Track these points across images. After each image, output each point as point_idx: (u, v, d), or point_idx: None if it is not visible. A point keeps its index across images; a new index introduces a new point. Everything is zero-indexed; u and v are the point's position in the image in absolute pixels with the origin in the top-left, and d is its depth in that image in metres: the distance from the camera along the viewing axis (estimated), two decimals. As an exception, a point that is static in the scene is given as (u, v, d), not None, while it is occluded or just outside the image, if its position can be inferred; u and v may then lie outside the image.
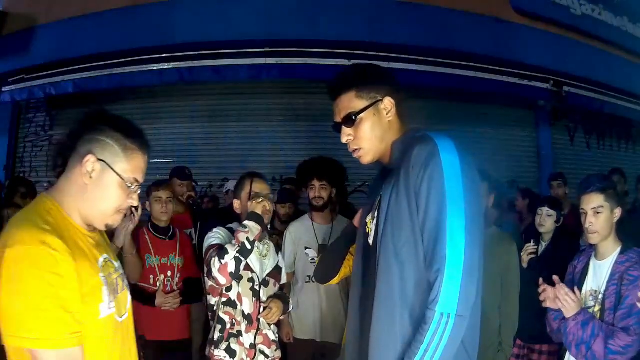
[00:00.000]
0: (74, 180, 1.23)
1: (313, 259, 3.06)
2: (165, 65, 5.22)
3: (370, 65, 1.52)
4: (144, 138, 1.30)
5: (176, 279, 2.99)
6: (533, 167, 6.36)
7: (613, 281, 2.03)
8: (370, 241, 1.45)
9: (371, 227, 1.47)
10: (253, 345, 2.31)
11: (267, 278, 2.40)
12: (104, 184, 1.23)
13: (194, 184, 4.16)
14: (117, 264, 1.35)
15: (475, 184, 1.32)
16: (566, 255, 2.45)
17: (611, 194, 2.11)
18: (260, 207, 2.24)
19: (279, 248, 2.78)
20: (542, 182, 5.63)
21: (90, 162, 1.21)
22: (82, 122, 1.27)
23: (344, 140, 1.47)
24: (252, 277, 2.34)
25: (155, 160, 5.66)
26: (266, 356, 2.35)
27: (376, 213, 1.44)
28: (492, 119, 5.97)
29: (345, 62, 5.17)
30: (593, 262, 2.17)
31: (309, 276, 3.04)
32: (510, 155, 6.04)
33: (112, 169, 1.23)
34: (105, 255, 1.29)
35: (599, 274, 2.12)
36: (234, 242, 2.18)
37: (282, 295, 2.47)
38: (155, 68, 5.25)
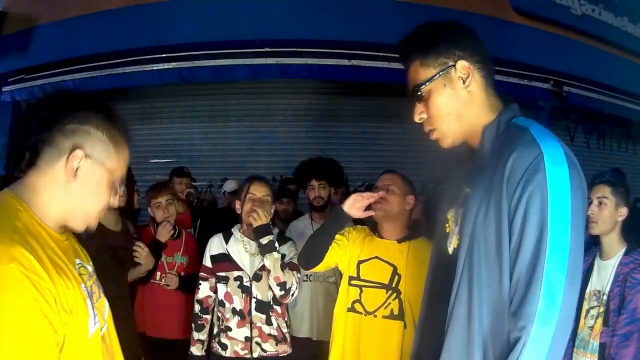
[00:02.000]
0: (52, 177, 1.02)
1: None
2: (165, 65, 5.23)
3: (439, 24, 1.20)
4: (129, 128, 1.12)
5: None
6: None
7: (617, 282, 2.03)
8: (450, 249, 1.21)
9: (452, 229, 1.22)
10: (249, 339, 2.38)
11: (260, 272, 2.42)
12: (92, 182, 1.05)
13: (193, 182, 4.17)
14: (90, 267, 1.15)
15: (582, 207, 1.03)
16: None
17: (619, 190, 2.13)
18: (251, 219, 2.34)
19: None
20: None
21: (77, 158, 1.02)
22: (59, 107, 1.04)
23: (416, 119, 1.19)
24: (239, 276, 2.40)
25: (155, 161, 5.67)
26: (263, 350, 2.39)
27: (460, 213, 1.18)
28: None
29: (345, 62, 5.18)
30: (597, 262, 2.17)
31: (306, 275, 3.06)
32: (510, 155, 6.03)
33: (103, 166, 1.05)
34: (78, 260, 1.10)
35: (603, 274, 2.12)
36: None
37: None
38: (155, 68, 5.26)
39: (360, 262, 2.15)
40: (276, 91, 5.74)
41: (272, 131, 5.67)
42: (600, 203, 2.12)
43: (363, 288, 2.12)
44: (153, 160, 5.70)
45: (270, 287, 2.37)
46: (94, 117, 1.05)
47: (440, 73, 1.14)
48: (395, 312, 2.06)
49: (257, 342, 2.39)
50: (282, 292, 2.32)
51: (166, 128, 5.81)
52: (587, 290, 2.15)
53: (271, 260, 2.31)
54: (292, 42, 5.10)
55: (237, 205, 2.47)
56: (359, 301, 2.12)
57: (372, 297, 2.09)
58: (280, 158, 5.48)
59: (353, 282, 2.15)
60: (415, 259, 2.07)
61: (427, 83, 1.14)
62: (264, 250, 2.31)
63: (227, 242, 2.47)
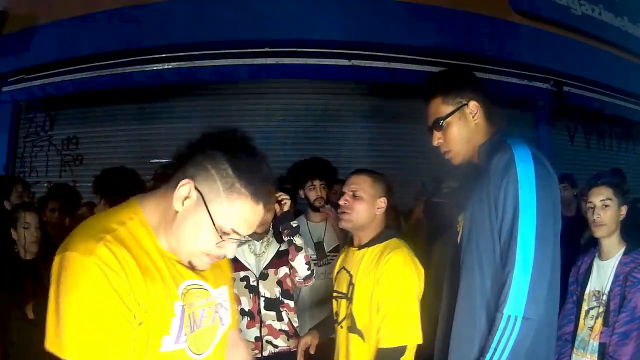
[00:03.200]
0: (167, 199, 1.04)
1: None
2: (165, 65, 5.23)
3: (454, 71, 1.68)
4: (265, 185, 1.04)
5: None
6: (533, 167, 6.35)
7: (617, 282, 2.03)
8: (459, 240, 1.56)
9: (462, 226, 1.55)
10: (259, 338, 2.39)
11: (266, 271, 2.45)
12: (195, 220, 1.02)
13: None
14: (216, 292, 1.15)
15: (550, 191, 1.39)
16: (568, 256, 2.45)
17: (619, 190, 2.13)
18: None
19: None
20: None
21: (184, 187, 1.01)
22: (203, 138, 1.08)
23: (435, 143, 1.56)
24: (245, 276, 2.41)
25: (155, 161, 5.66)
26: (275, 346, 2.41)
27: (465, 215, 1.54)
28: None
29: (345, 62, 5.18)
30: (596, 262, 2.17)
31: None
32: (511, 155, 6.03)
33: (206, 206, 1.01)
34: (196, 282, 1.09)
35: (602, 274, 2.12)
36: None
37: (320, 324, 2.35)
38: (155, 68, 5.25)
39: (336, 273, 2.10)
40: (276, 91, 5.74)
41: (272, 131, 5.67)
42: (604, 206, 2.11)
43: (337, 299, 2.05)
44: (153, 160, 5.70)
45: (275, 285, 2.38)
46: (219, 155, 1.03)
47: (458, 109, 1.52)
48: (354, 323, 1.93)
49: (267, 341, 2.41)
50: (309, 272, 2.40)
51: (166, 128, 5.80)
52: (587, 291, 2.14)
53: (302, 239, 2.42)
54: (292, 42, 5.10)
55: None
56: (337, 312, 2.06)
57: (340, 308, 1.99)
58: (280, 158, 5.48)
59: (333, 293, 2.12)
60: (367, 265, 1.89)
61: (449, 117, 1.52)
62: (294, 232, 2.40)
63: None
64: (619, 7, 6.85)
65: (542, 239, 1.32)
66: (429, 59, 5.09)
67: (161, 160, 5.37)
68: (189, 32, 5.16)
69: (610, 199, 2.11)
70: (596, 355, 2.04)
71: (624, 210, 2.12)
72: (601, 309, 2.06)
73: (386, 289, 1.80)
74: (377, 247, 1.91)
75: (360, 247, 1.96)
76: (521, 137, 1.49)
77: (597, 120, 6.80)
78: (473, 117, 1.52)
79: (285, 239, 2.42)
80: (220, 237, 1.02)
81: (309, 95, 5.70)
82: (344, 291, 1.96)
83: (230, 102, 5.80)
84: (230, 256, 1.08)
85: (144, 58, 5.25)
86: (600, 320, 2.06)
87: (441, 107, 1.53)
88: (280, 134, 5.61)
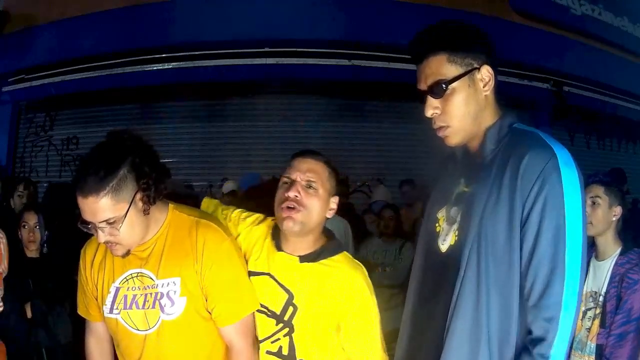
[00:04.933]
0: None
1: None
2: (165, 65, 5.23)
3: (465, 25, 1.21)
4: (78, 180, 1.25)
5: None
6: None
7: (613, 283, 2.02)
8: (443, 247, 1.20)
9: (443, 227, 1.23)
10: None
11: None
12: None
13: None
14: (159, 282, 1.38)
15: (585, 205, 1.10)
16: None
17: (612, 190, 2.12)
18: None
19: None
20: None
21: None
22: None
23: (428, 113, 1.18)
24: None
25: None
26: None
27: (453, 212, 1.21)
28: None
29: (345, 62, 5.18)
30: (593, 263, 2.16)
31: None
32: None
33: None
34: (140, 270, 1.39)
35: (598, 274, 2.11)
36: None
37: None
38: (155, 68, 5.25)
39: (250, 272, 1.49)
40: (276, 91, 5.74)
41: (272, 131, 5.67)
42: (593, 203, 2.11)
43: (260, 313, 1.50)
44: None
45: None
46: None
47: (468, 73, 1.16)
48: (285, 351, 1.45)
49: None
50: None
51: (166, 128, 5.80)
52: (583, 292, 2.14)
53: None
54: (292, 42, 5.10)
55: None
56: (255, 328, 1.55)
57: (263, 327, 1.47)
58: (280, 158, 5.48)
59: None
60: (319, 287, 1.44)
61: (456, 80, 1.15)
62: None
63: None
64: (619, 7, 6.85)
65: (583, 269, 1.05)
66: (429, 59, 5.08)
67: (161, 161, 5.37)
68: (189, 32, 5.16)
69: (599, 197, 2.09)
70: (594, 356, 2.03)
71: (617, 210, 2.11)
72: (598, 310, 2.06)
73: (360, 327, 1.43)
74: (329, 263, 1.46)
75: (303, 258, 1.46)
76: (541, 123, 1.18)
77: (597, 120, 6.80)
78: (484, 86, 1.17)
79: None
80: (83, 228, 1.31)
81: (309, 95, 5.70)
82: (275, 310, 1.45)
83: (230, 102, 5.80)
84: (99, 241, 1.30)
85: (144, 58, 5.25)
86: (597, 322, 2.06)
87: (445, 67, 1.15)
88: (281, 134, 5.61)
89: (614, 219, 2.11)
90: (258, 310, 1.45)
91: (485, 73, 1.17)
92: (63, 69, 5.56)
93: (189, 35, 5.17)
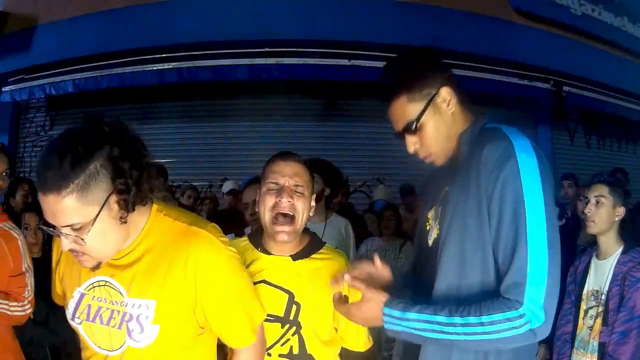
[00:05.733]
0: None
1: None
2: (165, 65, 5.23)
3: (411, 56, 1.29)
4: (38, 172, 1.00)
5: None
6: (533, 167, 6.35)
7: (616, 282, 2.03)
8: (430, 242, 1.29)
9: (432, 225, 1.30)
10: None
11: None
12: None
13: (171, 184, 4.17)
14: (129, 300, 1.12)
15: (552, 188, 1.15)
16: (565, 256, 2.46)
17: (617, 190, 2.13)
18: None
19: None
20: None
21: None
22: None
23: (410, 150, 1.27)
24: None
25: (155, 161, 5.68)
26: None
27: (439, 210, 1.27)
28: (492, 118, 5.96)
29: (345, 62, 5.18)
30: (594, 262, 2.17)
31: None
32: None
33: None
34: (109, 280, 1.14)
35: (600, 273, 2.12)
36: None
37: None
38: (155, 68, 5.26)
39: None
40: (276, 91, 5.74)
41: (272, 131, 5.67)
42: (597, 202, 2.12)
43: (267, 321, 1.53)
44: (152, 161, 5.71)
45: None
46: None
47: (429, 103, 1.22)
48: (295, 350, 1.48)
49: None
50: None
51: (166, 128, 5.81)
52: (585, 291, 2.15)
53: None
54: (292, 42, 5.11)
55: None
56: None
57: (270, 333, 1.46)
58: (280, 158, 5.48)
59: None
60: (315, 280, 1.48)
61: (421, 117, 1.22)
62: None
63: None
64: (619, 7, 6.86)
65: (554, 246, 1.09)
66: (429, 58, 5.09)
67: (161, 161, 5.37)
68: (189, 32, 5.16)
69: (603, 197, 2.11)
70: (596, 354, 2.04)
71: (620, 210, 2.12)
72: (600, 309, 2.07)
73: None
74: (319, 256, 1.53)
75: (296, 256, 1.50)
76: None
77: (597, 120, 6.80)
78: (447, 106, 1.23)
79: None
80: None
81: (309, 95, 5.71)
82: (278, 314, 1.47)
83: (230, 102, 5.81)
84: (62, 248, 1.07)
85: (144, 58, 5.25)
86: (599, 320, 2.07)
87: (408, 107, 1.22)
88: (280, 134, 5.61)
89: (616, 219, 2.12)
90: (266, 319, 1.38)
91: (445, 95, 1.23)
92: (63, 69, 5.56)
93: (189, 35, 5.17)
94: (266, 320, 1.39)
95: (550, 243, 1.08)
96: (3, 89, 5.94)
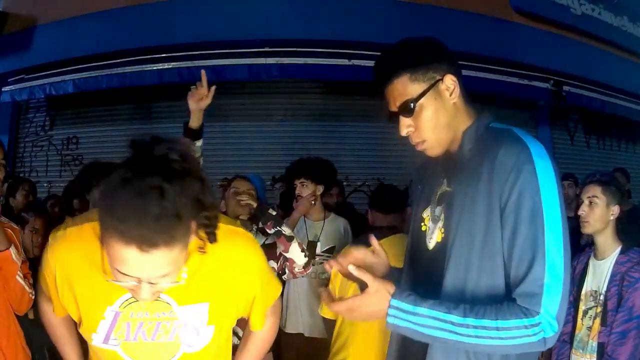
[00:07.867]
0: None
1: None
2: (165, 65, 5.23)
3: (421, 39, 1.23)
4: (130, 220, 0.83)
5: None
6: (533, 167, 6.36)
7: (614, 282, 2.03)
8: (430, 245, 1.24)
9: (429, 226, 1.27)
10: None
11: None
12: None
13: None
14: (180, 310, 1.10)
15: (563, 196, 1.13)
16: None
17: (610, 189, 2.13)
18: (243, 204, 2.36)
19: None
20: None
21: None
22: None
23: (403, 132, 1.21)
24: None
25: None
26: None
27: (437, 211, 1.24)
28: (495, 118, 5.96)
29: (345, 62, 5.18)
30: (592, 262, 2.17)
31: None
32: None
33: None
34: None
35: (598, 273, 2.12)
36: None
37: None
38: (155, 68, 5.25)
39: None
40: (276, 91, 5.74)
41: (272, 131, 5.67)
42: (590, 203, 2.13)
43: None
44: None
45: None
46: (102, 190, 0.98)
47: (432, 86, 1.18)
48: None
49: (234, 332, 2.36)
50: (306, 259, 2.28)
51: (166, 128, 5.80)
52: (583, 291, 2.15)
53: (289, 228, 2.29)
54: (292, 42, 5.10)
55: (222, 206, 2.46)
56: None
57: None
58: (280, 158, 5.49)
59: None
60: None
61: (422, 97, 1.18)
62: (278, 221, 2.27)
63: None
64: (619, 7, 6.85)
65: (567, 253, 1.06)
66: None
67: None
68: (189, 32, 5.16)
69: (596, 197, 2.12)
70: (595, 355, 2.04)
71: (615, 209, 2.12)
72: (599, 309, 2.07)
73: None
74: None
75: None
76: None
77: (597, 120, 6.80)
78: (450, 94, 1.19)
79: (271, 231, 2.28)
80: (115, 276, 0.92)
81: (309, 95, 5.71)
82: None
83: (231, 102, 5.80)
84: (142, 299, 0.96)
85: (144, 58, 5.25)
86: (598, 321, 2.07)
87: (409, 86, 1.17)
88: (280, 134, 5.61)
89: (611, 218, 2.12)
90: None
91: (449, 82, 1.20)
92: (63, 69, 5.56)
93: (189, 35, 5.17)
94: None
95: (565, 252, 1.06)
96: (3, 89, 5.94)
